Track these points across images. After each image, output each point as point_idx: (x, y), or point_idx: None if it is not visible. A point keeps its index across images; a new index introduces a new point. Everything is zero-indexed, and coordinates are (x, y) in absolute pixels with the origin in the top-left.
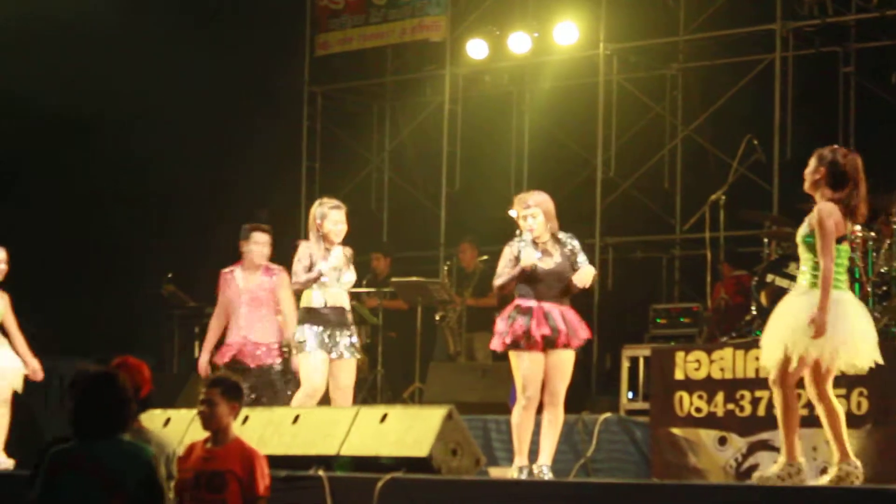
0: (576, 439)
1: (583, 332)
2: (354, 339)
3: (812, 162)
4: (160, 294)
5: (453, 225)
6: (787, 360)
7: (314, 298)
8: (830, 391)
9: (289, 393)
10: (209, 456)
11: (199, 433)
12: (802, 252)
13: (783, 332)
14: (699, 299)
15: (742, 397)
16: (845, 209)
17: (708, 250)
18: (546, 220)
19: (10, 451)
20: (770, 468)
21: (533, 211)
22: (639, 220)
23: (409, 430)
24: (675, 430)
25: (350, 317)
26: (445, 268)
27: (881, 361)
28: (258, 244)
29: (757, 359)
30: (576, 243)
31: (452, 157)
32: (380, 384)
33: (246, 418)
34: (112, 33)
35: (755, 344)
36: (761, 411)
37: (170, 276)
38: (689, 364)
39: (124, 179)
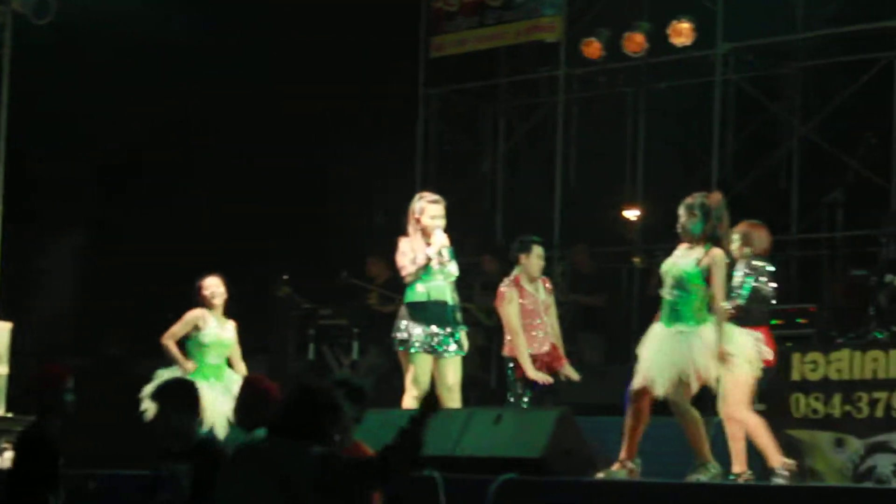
0: None
1: None
2: (460, 334)
3: (683, 212)
4: (275, 296)
5: (568, 226)
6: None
7: (418, 292)
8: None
9: None
10: None
11: None
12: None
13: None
14: (816, 300)
15: (859, 399)
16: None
17: (825, 250)
18: None
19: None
20: (697, 473)
21: None
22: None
23: (523, 432)
24: (792, 432)
25: (455, 311)
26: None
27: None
28: (540, 257)
29: (875, 360)
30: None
31: (567, 157)
32: (494, 385)
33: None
34: (216, 35)
35: (873, 345)
36: (879, 413)
37: (285, 277)
38: (806, 365)
39: (237, 181)
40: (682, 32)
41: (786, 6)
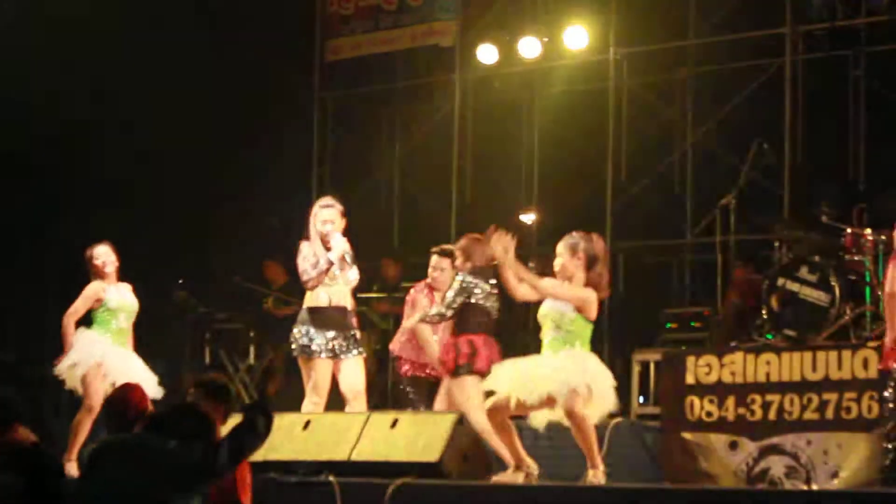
0: None
1: None
2: (356, 337)
3: (565, 251)
4: (171, 300)
5: (464, 230)
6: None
7: (319, 297)
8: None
9: None
10: None
11: None
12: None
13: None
14: (710, 303)
15: (753, 401)
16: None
17: (719, 254)
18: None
19: None
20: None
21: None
22: (649, 225)
23: (419, 436)
24: (686, 435)
25: (352, 316)
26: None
27: None
28: (433, 268)
29: (768, 363)
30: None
31: (463, 162)
32: (390, 389)
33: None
34: (125, 37)
35: (766, 348)
36: (772, 415)
37: (181, 281)
38: (700, 368)
39: (133, 185)
40: (576, 37)
41: (678, 12)
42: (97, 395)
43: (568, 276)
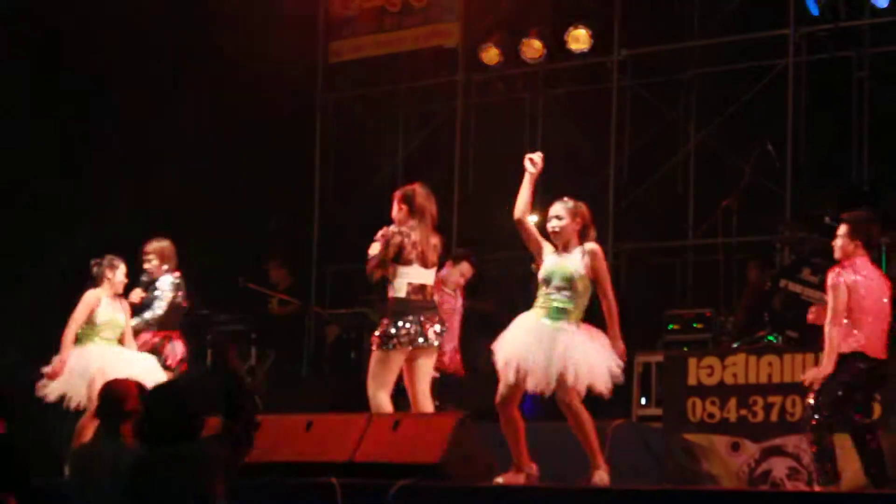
0: None
1: None
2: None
3: (565, 213)
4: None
5: (466, 231)
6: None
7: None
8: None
9: None
10: None
11: None
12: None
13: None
14: (712, 305)
15: (755, 403)
16: None
17: (721, 255)
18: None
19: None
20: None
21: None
22: (652, 226)
23: (421, 437)
24: (688, 436)
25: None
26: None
27: None
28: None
29: (770, 364)
30: None
31: (465, 164)
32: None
33: (258, 425)
34: (124, 36)
35: (768, 349)
36: (774, 417)
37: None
38: (702, 370)
39: (133, 184)
40: (579, 39)
41: (681, 14)
42: None
43: (566, 240)
